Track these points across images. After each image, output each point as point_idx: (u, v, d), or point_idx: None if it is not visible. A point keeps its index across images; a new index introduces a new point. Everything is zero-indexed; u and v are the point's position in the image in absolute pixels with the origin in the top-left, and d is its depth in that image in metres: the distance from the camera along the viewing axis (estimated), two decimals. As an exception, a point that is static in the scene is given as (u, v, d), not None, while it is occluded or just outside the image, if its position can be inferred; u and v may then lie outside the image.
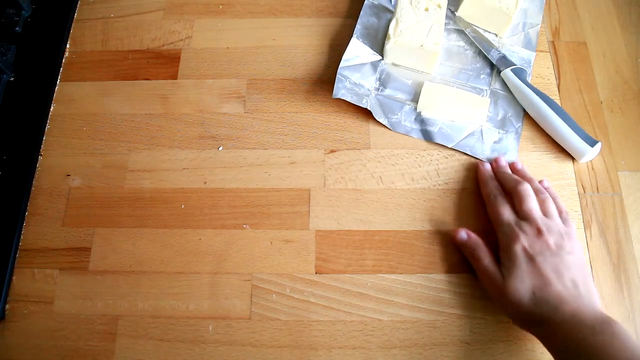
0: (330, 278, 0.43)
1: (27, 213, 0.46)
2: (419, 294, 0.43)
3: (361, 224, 0.45)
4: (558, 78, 0.51)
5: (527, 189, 0.41)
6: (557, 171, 0.47)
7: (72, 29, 0.54)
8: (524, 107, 0.48)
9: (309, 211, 0.46)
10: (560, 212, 0.42)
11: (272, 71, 0.52)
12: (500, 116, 0.48)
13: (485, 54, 0.51)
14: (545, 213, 0.41)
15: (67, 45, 0.54)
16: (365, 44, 0.51)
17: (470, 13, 0.52)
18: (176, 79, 0.52)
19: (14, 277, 0.44)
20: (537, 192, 0.42)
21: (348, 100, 0.47)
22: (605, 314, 0.35)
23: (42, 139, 0.49)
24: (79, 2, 0.56)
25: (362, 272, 0.43)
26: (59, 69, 0.52)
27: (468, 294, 0.43)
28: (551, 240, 0.38)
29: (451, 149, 0.47)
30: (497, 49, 0.50)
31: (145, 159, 0.48)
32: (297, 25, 0.54)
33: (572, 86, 0.51)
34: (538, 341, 0.41)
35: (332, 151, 0.48)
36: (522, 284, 0.37)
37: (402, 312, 0.42)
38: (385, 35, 0.50)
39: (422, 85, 0.49)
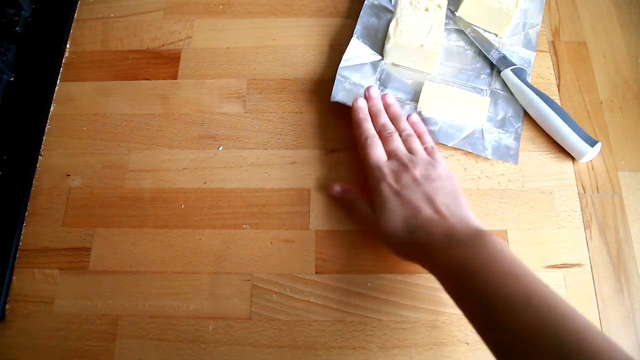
0: (330, 278, 0.43)
1: (27, 213, 0.46)
2: (419, 294, 0.43)
3: (361, 224, 0.45)
4: (558, 78, 0.51)
5: (390, 130, 0.44)
6: (557, 171, 0.47)
7: (72, 29, 0.54)
8: (524, 107, 0.48)
9: (309, 211, 0.46)
10: (425, 147, 0.44)
11: (272, 71, 0.52)
12: (500, 116, 0.48)
13: (485, 54, 0.51)
14: (409, 150, 0.43)
15: (67, 45, 0.54)
16: (365, 43, 0.51)
17: (470, 13, 0.52)
18: (176, 79, 0.52)
19: (14, 277, 0.44)
20: (401, 130, 0.44)
21: (346, 103, 0.47)
22: (478, 228, 0.36)
23: (42, 139, 0.49)
24: (79, 2, 0.56)
25: (362, 272, 0.43)
26: (59, 69, 0.52)
27: (468, 294, 0.43)
28: (417, 172, 0.40)
29: (452, 148, 0.47)
30: (497, 49, 0.50)
31: (145, 159, 0.48)
32: (297, 25, 0.54)
33: (572, 86, 0.51)
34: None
35: (332, 151, 0.48)
36: (393, 217, 0.38)
37: (402, 312, 0.42)
38: (385, 36, 0.50)
39: (422, 85, 0.49)
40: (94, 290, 0.43)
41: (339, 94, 0.48)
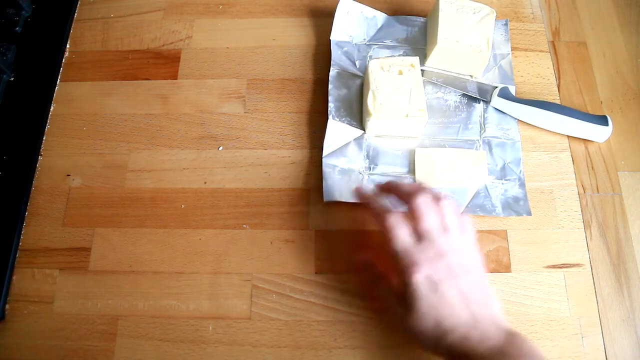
0: (330, 278, 0.43)
1: (27, 213, 0.46)
2: (419, 294, 0.43)
3: (361, 224, 0.45)
4: (558, 78, 0.51)
5: (426, 202, 0.36)
6: (557, 171, 0.47)
7: (72, 29, 0.54)
8: (528, 121, 0.48)
9: (309, 211, 0.46)
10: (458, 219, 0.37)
11: (272, 71, 0.52)
12: (499, 165, 0.46)
13: (464, 91, 0.49)
14: (444, 227, 0.36)
15: (67, 45, 0.54)
16: (344, 121, 0.47)
17: (440, 62, 0.49)
18: (176, 79, 0.52)
19: (14, 277, 0.44)
20: (435, 199, 0.37)
21: (343, 200, 0.44)
22: (510, 331, 0.34)
23: (42, 139, 0.49)
24: (79, 2, 0.56)
25: (362, 271, 0.43)
26: (59, 69, 0.52)
27: (468, 294, 0.43)
28: (453, 261, 0.34)
29: None
30: (471, 80, 0.49)
31: (145, 159, 0.48)
32: (297, 25, 0.54)
33: (572, 86, 0.51)
34: (538, 341, 0.41)
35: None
36: (426, 317, 0.34)
37: (402, 312, 0.42)
38: (360, 105, 0.48)
39: (414, 153, 0.46)
40: (94, 290, 0.43)
41: (332, 190, 0.44)
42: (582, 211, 0.45)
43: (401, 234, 0.35)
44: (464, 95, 0.49)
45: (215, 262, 0.44)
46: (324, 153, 0.46)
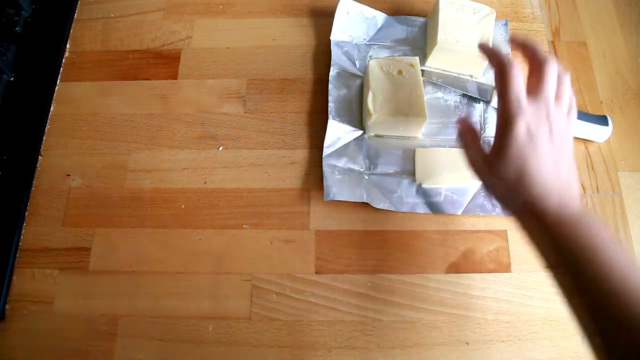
0: (330, 278, 0.43)
1: (27, 213, 0.46)
2: (419, 294, 0.43)
3: (361, 224, 0.45)
4: (558, 78, 0.51)
5: (554, 72, 0.36)
6: (557, 171, 0.47)
7: (72, 29, 0.54)
8: None
9: (309, 211, 0.46)
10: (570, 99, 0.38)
11: (272, 71, 0.52)
12: None
13: (464, 92, 0.49)
14: (559, 99, 0.36)
15: (67, 45, 0.54)
16: (343, 122, 0.47)
17: (440, 62, 0.50)
18: (176, 79, 0.52)
19: (14, 277, 0.44)
20: (559, 75, 0.37)
21: (343, 199, 0.44)
22: (586, 211, 0.34)
23: (42, 139, 0.49)
24: (79, 2, 0.56)
25: (362, 272, 0.43)
26: (59, 69, 0.52)
27: (468, 294, 0.43)
28: (554, 127, 0.35)
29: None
30: (471, 80, 0.49)
31: (145, 159, 0.48)
32: (297, 25, 0.54)
33: (572, 86, 0.51)
34: (538, 341, 0.41)
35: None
36: (515, 159, 0.34)
37: (402, 312, 0.42)
38: (360, 104, 0.48)
39: (414, 153, 0.47)
40: (94, 290, 0.43)
41: (332, 190, 0.44)
42: (582, 211, 0.45)
43: (518, 82, 0.35)
44: (464, 95, 0.49)
45: (215, 262, 0.44)
46: (324, 153, 0.46)
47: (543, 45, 0.53)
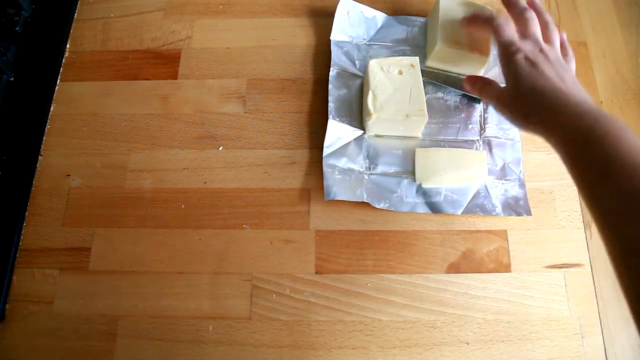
0: (330, 278, 0.43)
1: (27, 213, 0.46)
2: (419, 294, 0.43)
3: (361, 224, 0.45)
4: (558, 78, 0.51)
5: (533, 16, 0.42)
6: (557, 171, 0.47)
7: (72, 29, 0.54)
8: None
9: (309, 211, 0.46)
10: (563, 47, 0.42)
11: (272, 71, 0.52)
12: (499, 165, 0.47)
13: (464, 92, 0.48)
14: (547, 40, 0.41)
15: (67, 45, 0.54)
16: (343, 121, 0.47)
17: (441, 61, 0.50)
18: (176, 79, 0.52)
19: (14, 277, 0.44)
20: (545, 23, 0.42)
21: (343, 199, 0.44)
22: (600, 110, 0.35)
23: (42, 139, 0.49)
24: (79, 2, 0.56)
25: (362, 272, 0.43)
26: (59, 69, 0.52)
27: (468, 294, 0.43)
28: (551, 55, 0.39)
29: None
30: None
31: (145, 159, 0.48)
32: (297, 25, 0.54)
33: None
34: (538, 341, 0.41)
35: (332, 151, 0.48)
36: (525, 83, 0.38)
37: (402, 312, 0.42)
38: (360, 104, 0.48)
39: (414, 153, 0.47)
40: (94, 290, 0.43)
41: (332, 189, 0.44)
42: (582, 211, 0.45)
43: (507, 28, 0.41)
44: (464, 95, 0.49)
45: (215, 262, 0.44)
46: (324, 153, 0.46)
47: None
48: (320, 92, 0.50)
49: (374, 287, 0.43)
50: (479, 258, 0.44)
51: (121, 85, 0.52)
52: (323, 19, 0.54)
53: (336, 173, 0.45)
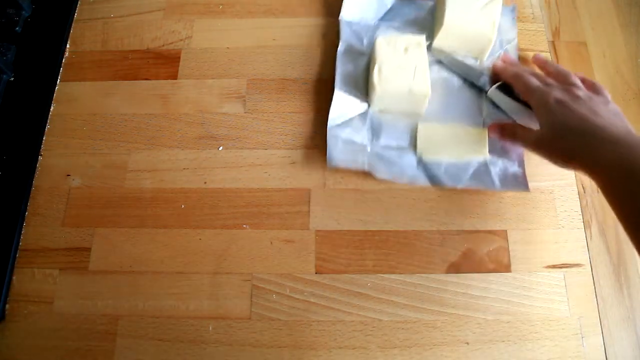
0: (330, 278, 0.43)
1: (27, 213, 0.46)
2: (419, 294, 0.43)
3: (361, 224, 0.45)
4: (558, 78, 0.51)
5: (553, 63, 0.46)
6: (557, 171, 0.47)
7: (72, 29, 0.54)
8: (519, 121, 0.47)
9: (309, 211, 0.46)
10: (586, 82, 0.44)
11: (272, 71, 0.52)
12: (499, 144, 0.47)
13: (474, 82, 0.49)
14: (568, 84, 0.43)
15: (67, 45, 0.54)
16: (349, 94, 0.48)
17: (447, 42, 0.50)
18: (176, 79, 0.52)
19: (14, 277, 0.44)
20: (557, 71, 0.45)
21: (344, 167, 0.45)
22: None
23: (42, 139, 0.49)
24: (79, 2, 0.56)
25: (362, 272, 0.43)
26: (59, 69, 0.52)
27: (468, 294, 0.43)
28: (579, 92, 0.41)
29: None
30: (484, 74, 0.49)
31: (145, 159, 0.48)
32: (297, 25, 0.54)
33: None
34: (538, 341, 0.41)
35: (332, 151, 0.48)
36: (559, 124, 0.39)
37: (402, 312, 0.42)
38: (366, 81, 0.49)
39: (417, 128, 0.47)
40: (94, 290, 0.43)
41: (335, 156, 0.45)
42: (582, 211, 0.45)
43: (533, 80, 0.43)
44: (466, 79, 0.50)
45: (215, 262, 0.44)
46: (329, 124, 0.47)
47: (543, 45, 0.53)
48: (320, 92, 0.50)
49: (374, 287, 0.43)
50: (479, 258, 0.44)
51: (121, 85, 0.52)
52: (323, 18, 0.54)
53: (340, 143, 0.46)
